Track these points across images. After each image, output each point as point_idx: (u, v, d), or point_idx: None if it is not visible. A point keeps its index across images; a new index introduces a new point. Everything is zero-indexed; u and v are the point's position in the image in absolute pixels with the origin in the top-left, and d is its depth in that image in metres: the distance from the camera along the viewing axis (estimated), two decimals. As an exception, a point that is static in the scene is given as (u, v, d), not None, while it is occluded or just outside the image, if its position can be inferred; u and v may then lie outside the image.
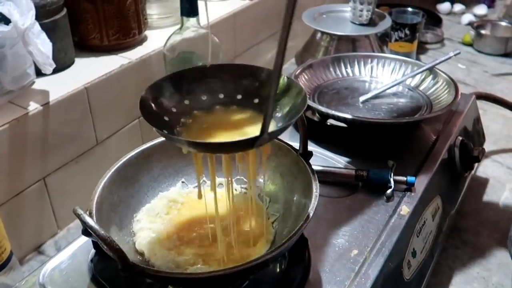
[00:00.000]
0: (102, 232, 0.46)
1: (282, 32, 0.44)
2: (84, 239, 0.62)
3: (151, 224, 0.60)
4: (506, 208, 0.94)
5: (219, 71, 0.59)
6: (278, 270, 0.60)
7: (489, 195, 0.98)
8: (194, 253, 0.56)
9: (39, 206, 0.78)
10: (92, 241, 0.55)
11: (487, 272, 0.81)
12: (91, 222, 0.46)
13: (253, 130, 0.52)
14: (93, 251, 0.60)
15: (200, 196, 0.58)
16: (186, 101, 0.57)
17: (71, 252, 0.63)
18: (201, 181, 0.67)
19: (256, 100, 0.57)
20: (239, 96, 0.58)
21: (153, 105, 0.54)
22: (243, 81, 0.58)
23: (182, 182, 0.67)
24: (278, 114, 0.55)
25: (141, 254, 0.58)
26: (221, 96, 0.59)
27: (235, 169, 0.66)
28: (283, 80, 0.56)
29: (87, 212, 0.53)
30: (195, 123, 0.56)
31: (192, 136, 0.54)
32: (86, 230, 0.48)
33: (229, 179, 0.56)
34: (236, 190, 0.66)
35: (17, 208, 0.74)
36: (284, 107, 0.55)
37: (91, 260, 0.60)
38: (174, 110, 0.56)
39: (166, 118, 0.55)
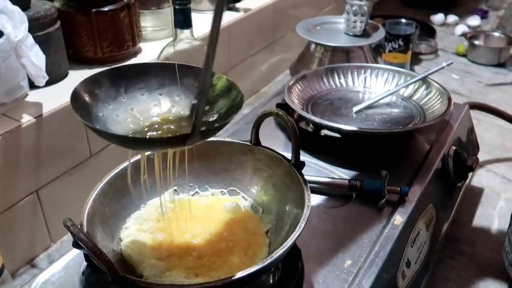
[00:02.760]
0: (92, 244, 0.45)
1: (212, 26, 0.44)
2: (76, 251, 0.61)
3: (139, 232, 0.60)
4: (501, 218, 0.94)
5: (159, 69, 0.58)
6: (271, 281, 0.59)
7: (484, 205, 0.98)
8: (184, 265, 0.56)
9: (32, 219, 0.77)
10: (84, 253, 0.54)
11: (483, 282, 0.81)
12: (80, 234, 0.46)
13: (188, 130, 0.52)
14: (85, 263, 0.59)
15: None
16: (123, 98, 0.56)
17: (63, 265, 0.62)
18: (193, 193, 0.68)
19: (195, 101, 0.56)
20: (177, 96, 0.58)
21: (86, 98, 0.53)
22: (183, 81, 0.58)
23: (175, 190, 0.67)
24: (214, 116, 0.54)
25: (128, 262, 0.57)
26: (160, 94, 0.58)
27: (229, 179, 0.67)
28: (222, 81, 0.56)
29: (78, 224, 0.53)
30: (130, 122, 0.55)
31: (124, 134, 0.54)
32: (76, 242, 0.47)
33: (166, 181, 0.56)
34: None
35: (10, 221, 0.74)
36: (221, 109, 0.55)
37: (83, 273, 0.59)
38: (109, 106, 0.55)
39: (100, 114, 0.54)
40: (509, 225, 0.77)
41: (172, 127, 0.55)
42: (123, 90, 0.56)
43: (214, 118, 0.54)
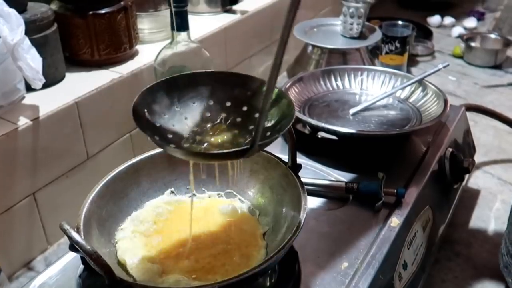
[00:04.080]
0: (88, 247, 0.46)
1: (279, 47, 0.44)
2: (73, 254, 0.61)
3: (134, 233, 0.60)
4: (498, 219, 0.94)
5: (209, 77, 0.60)
6: (268, 283, 0.60)
7: (480, 206, 0.98)
8: (180, 268, 0.56)
9: (28, 222, 0.77)
10: (81, 256, 0.54)
11: (480, 284, 0.81)
12: (77, 237, 0.46)
13: (241, 138, 0.54)
14: (81, 266, 0.59)
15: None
16: (177, 107, 0.58)
17: (60, 268, 0.62)
18: (191, 194, 0.68)
19: (245, 108, 0.58)
20: (228, 103, 0.59)
21: (146, 111, 0.55)
22: (233, 89, 0.59)
23: (172, 191, 0.67)
24: (267, 124, 0.55)
25: (124, 264, 0.57)
26: (211, 102, 0.59)
27: (226, 182, 0.67)
28: (274, 92, 0.56)
29: (75, 227, 0.53)
30: (185, 130, 0.57)
31: (182, 142, 0.55)
32: (73, 246, 0.47)
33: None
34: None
35: (6, 224, 0.74)
36: (273, 118, 0.56)
37: (80, 276, 0.59)
38: (165, 116, 0.56)
39: (157, 125, 0.55)
40: (507, 228, 0.77)
41: (225, 135, 0.57)
42: (177, 99, 0.58)
43: (268, 125, 0.55)
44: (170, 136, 0.55)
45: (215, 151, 0.54)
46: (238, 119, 0.58)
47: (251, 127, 0.57)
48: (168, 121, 0.56)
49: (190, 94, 0.59)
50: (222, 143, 0.56)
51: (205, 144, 0.56)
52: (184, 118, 0.58)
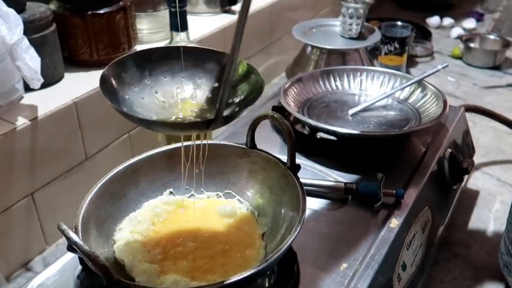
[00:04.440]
0: (86, 248, 0.45)
1: (239, 18, 0.46)
2: (71, 254, 0.61)
3: (132, 234, 0.60)
4: (497, 220, 0.94)
5: (183, 53, 0.60)
6: (267, 284, 0.59)
7: (479, 207, 0.98)
8: (179, 269, 0.56)
9: (27, 222, 0.77)
10: (79, 257, 0.54)
11: (479, 285, 0.81)
12: (75, 237, 0.46)
13: (210, 112, 0.55)
14: (80, 267, 0.59)
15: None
16: (147, 81, 0.58)
17: (58, 268, 0.62)
18: (189, 196, 0.67)
19: (216, 84, 0.59)
20: (200, 79, 0.59)
21: (114, 81, 0.55)
22: (205, 65, 0.59)
23: (170, 192, 0.67)
24: (236, 99, 0.56)
25: (121, 265, 0.57)
26: (182, 77, 0.59)
27: (225, 182, 0.67)
28: (243, 66, 0.57)
29: (73, 228, 0.52)
30: (154, 103, 0.57)
31: (150, 116, 0.55)
32: (71, 246, 0.47)
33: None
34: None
35: (4, 224, 0.73)
36: (242, 93, 0.56)
37: (78, 276, 0.59)
38: (135, 89, 0.57)
39: (126, 97, 0.55)
40: (506, 227, 0.77)
41: (195, 109, 0.57)
42: (148, 73, 0.58)
43: (236, 100, 0.56)
44: (138, 109, 0.55)
45: (180, 122, 0.55)
46: (209, 95, 0.59)
47: None
48: (137, 94, 0.57)
49: (162, 68, 0.59)
50: (190, 117, 0.56)
51: (173, 118, 0.56)
52: (154, 92, 0.58)
